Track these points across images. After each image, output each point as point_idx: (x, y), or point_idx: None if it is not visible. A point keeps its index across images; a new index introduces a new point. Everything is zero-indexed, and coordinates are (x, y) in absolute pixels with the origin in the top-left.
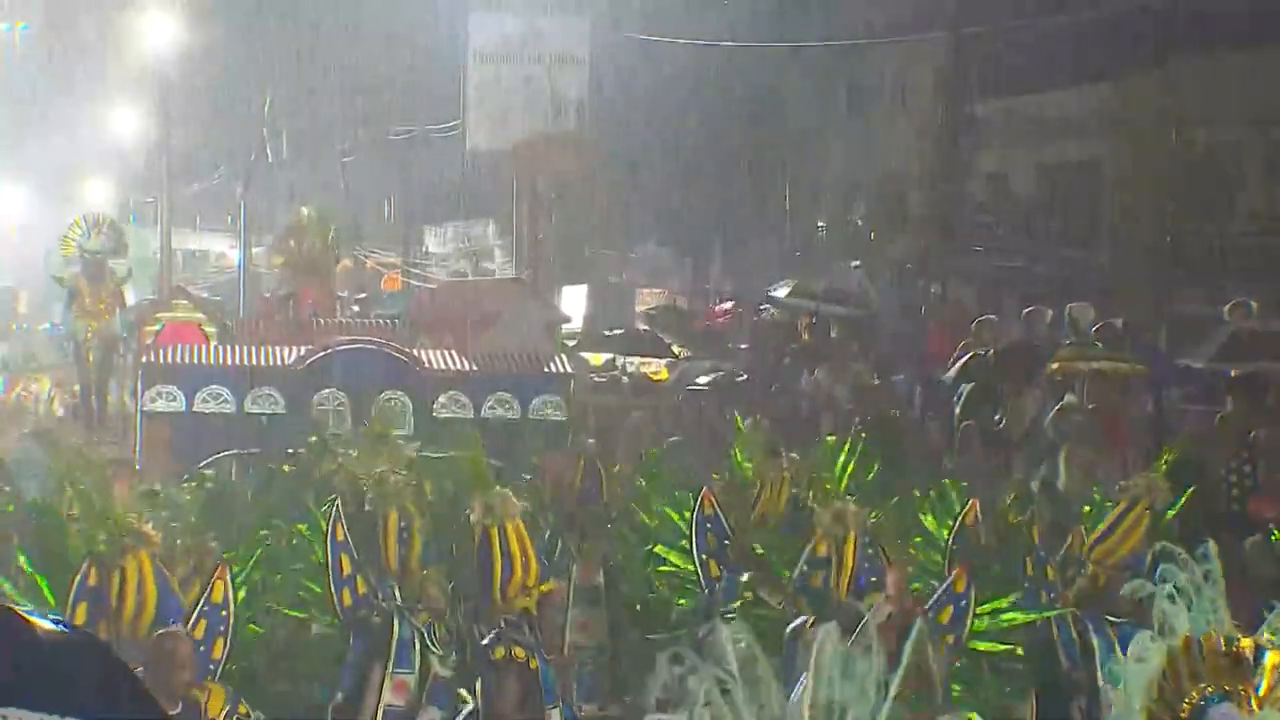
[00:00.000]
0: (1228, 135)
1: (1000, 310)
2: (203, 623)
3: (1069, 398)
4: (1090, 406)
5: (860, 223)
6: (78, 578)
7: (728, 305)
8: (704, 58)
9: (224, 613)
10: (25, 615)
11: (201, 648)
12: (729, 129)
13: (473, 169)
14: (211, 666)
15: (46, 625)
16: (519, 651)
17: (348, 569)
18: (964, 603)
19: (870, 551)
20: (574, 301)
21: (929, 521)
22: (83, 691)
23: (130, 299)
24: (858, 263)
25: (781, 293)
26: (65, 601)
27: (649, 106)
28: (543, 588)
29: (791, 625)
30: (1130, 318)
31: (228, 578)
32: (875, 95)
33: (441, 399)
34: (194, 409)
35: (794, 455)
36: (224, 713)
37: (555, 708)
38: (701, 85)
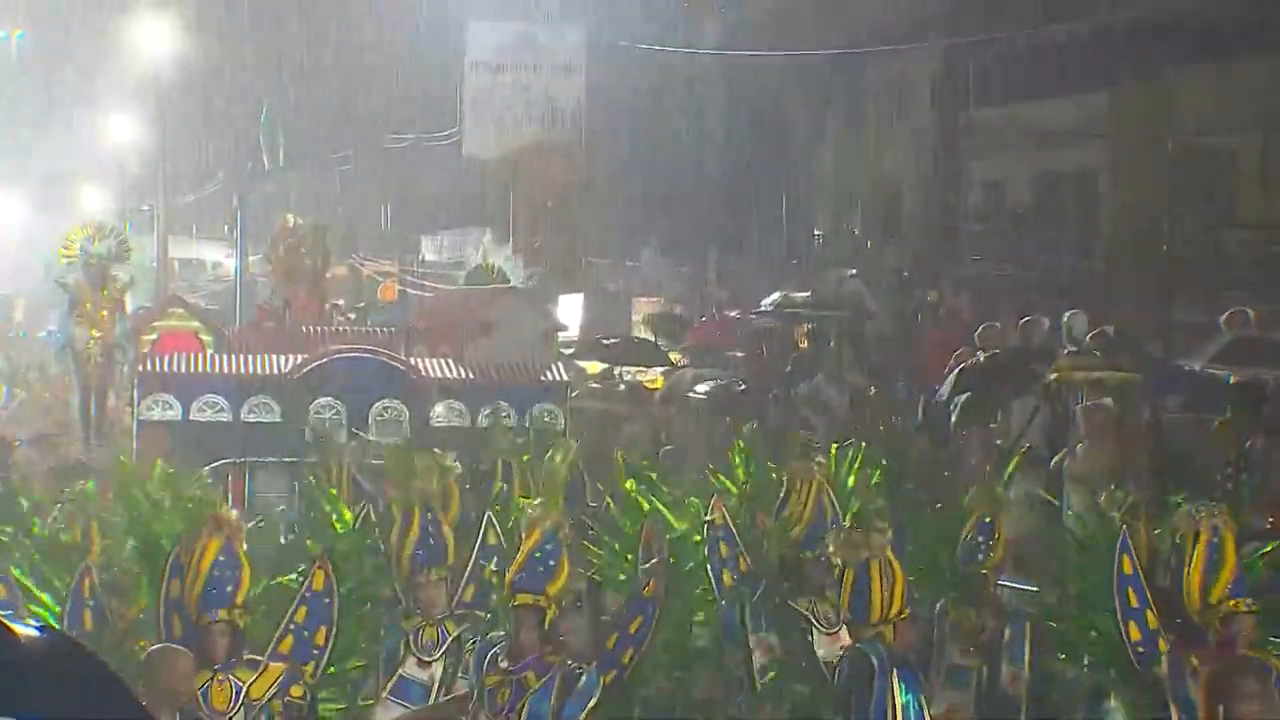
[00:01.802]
0: (1223, 144)
1: (997, 317)
2: (303, 609)
3: (1107, 400)
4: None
5: (856, 231)
6: (169, 560)
7: (717, 315)
8: (700, 67)
9: (326, 600)
10: (4, 621)
11: (305, 633)
12: (725, 137)
13: (470, 177)
14: (315, 653)
15: (27, 631)
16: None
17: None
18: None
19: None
20: (571, 310)
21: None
22: (65, 696)
23: (128, 307)
24: (854, 271)
25: (770, 303)
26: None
27: (645, 115)
28: (520, 599)
29: (872, 655)
30: (1127, 325)
31: (329, 566)
32: (872, 104)
33: (438, 408)
34: (190, 418)
35: (821, 460)
36: (270, 692)
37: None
38: (697, 94)
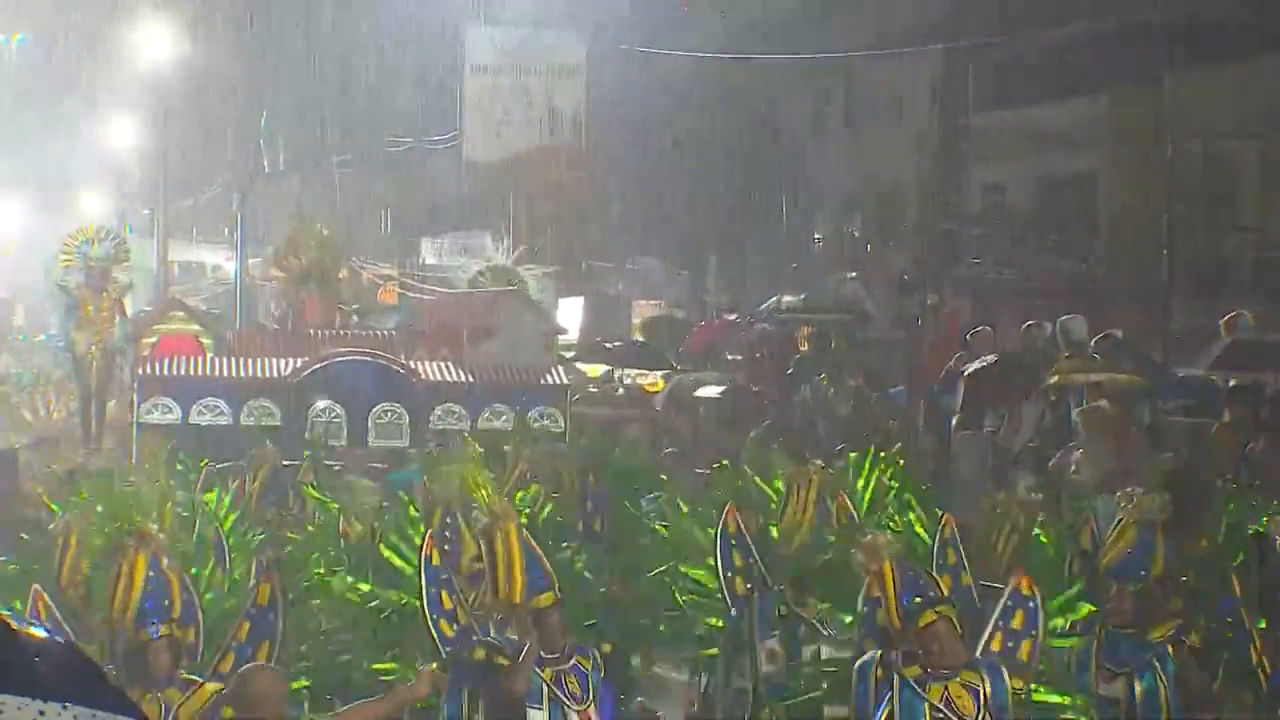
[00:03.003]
0: (1223, 148)
1: (998, 321)
2: (246, 625)
3: (1104, 402)
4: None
5: (856, 234)
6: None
7: (717, 319)
8: (700, 70)
9: (270, 615)
10: (5, 618)
11: (247, 650)
12: (725, 141)
13: (469, 180)
14: None
15: (30, 629)
16: (482, 653)
17: (448, 602)
18: (1031, 604)
19: (910, 573)
20: (571, 313)
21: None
22: (56, 680)
23: (128, 311)
24: (854, 274)
25: (770, 306)
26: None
27: (645, 118)
28: (539, 601)
29: (860, 661)
30: (1126, 329)
31: (276, 580)
32: (872, 107)
33: (438, 411)
34: (190, 421)
35: (818, 462)
36: (200, 715)
37: (539, 709)
38: (698, 97)
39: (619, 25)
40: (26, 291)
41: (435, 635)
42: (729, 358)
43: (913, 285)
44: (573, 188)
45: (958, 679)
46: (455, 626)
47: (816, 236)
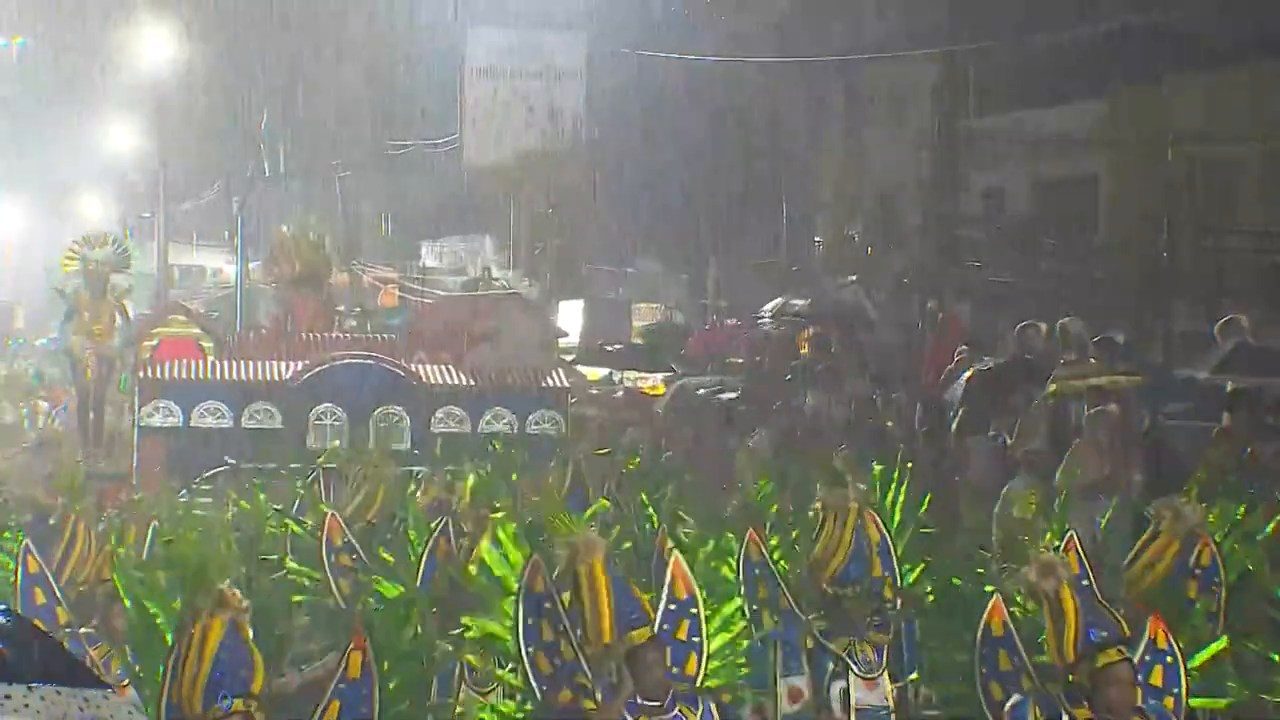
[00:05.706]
0: (1222, 152)
1: (997, 325)
2: (336, 705)
3: (1112, 406)
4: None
5: (856, 238)
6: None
7: (719, 323)
8: (700, 73)
9: (364, 691)
10: None
11: None
12: (725, 144)
13: (469, 183)
14: None
15: None
16: (569, 695)
17: (549, 634)
18: (1170, 658)
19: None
20: (571, 316)
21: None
22: (19, 662)
23: (129, 314)
24: (854, 277)
25: (771, 309)
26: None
27: (646, 121)
28: (633, 637)
29: (1012, 702)
30: (1127, 333)
31: (366, 645)
32: (871, 110)
33: (439, 414)
34: (191, 424)
35: (861, 485)
36: None
37: None
38: (698, 100)
39: (619, 28)
40: (27, 295)
41: (530, 671)
42: (730, 361)
43: (913, 289)
44: (572, 191)
45: None
46: (556, 663)
47: (816, 240)
